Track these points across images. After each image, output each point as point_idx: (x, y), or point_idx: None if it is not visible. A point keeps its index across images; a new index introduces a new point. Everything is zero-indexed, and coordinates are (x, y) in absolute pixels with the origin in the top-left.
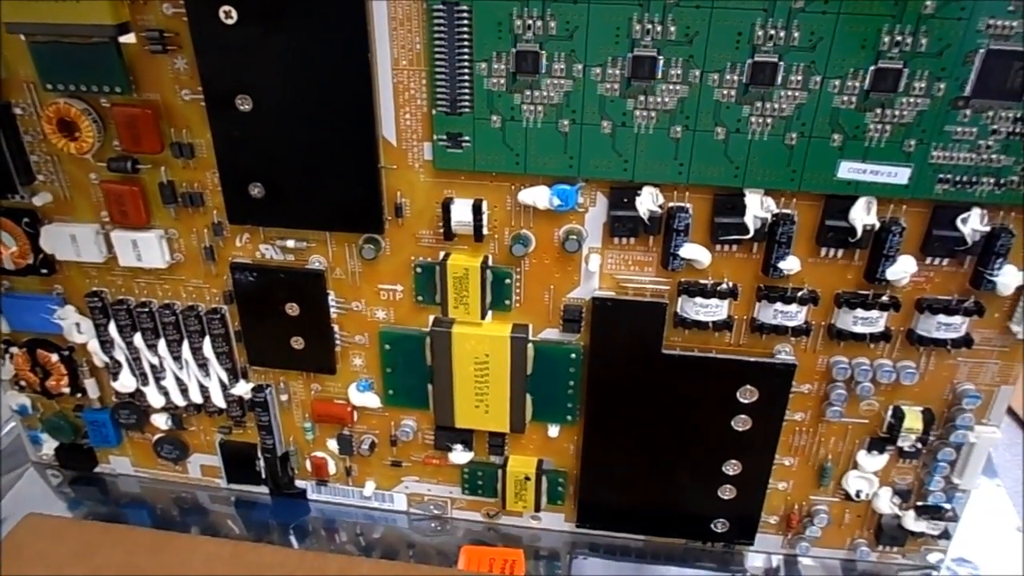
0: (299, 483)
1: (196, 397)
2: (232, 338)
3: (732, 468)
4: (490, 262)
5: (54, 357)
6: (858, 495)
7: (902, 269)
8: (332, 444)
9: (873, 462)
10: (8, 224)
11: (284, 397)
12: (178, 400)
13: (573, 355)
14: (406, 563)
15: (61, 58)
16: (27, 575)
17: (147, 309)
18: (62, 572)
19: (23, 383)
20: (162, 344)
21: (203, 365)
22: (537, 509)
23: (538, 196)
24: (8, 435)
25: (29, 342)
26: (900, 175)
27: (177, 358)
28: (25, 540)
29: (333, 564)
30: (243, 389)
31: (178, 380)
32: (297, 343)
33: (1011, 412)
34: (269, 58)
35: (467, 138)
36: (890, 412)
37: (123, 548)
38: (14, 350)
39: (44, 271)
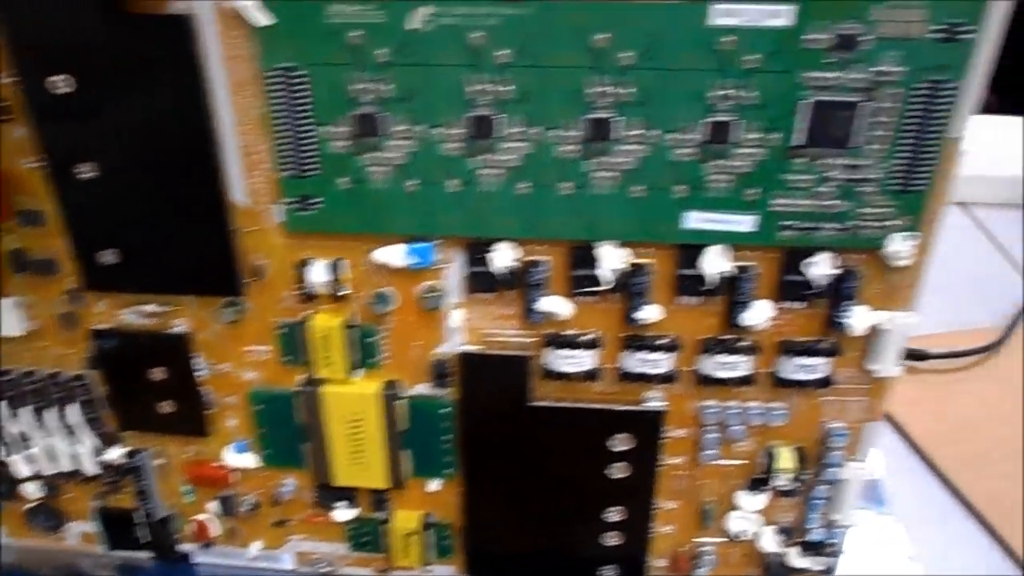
0: (183, 547)
1: (66, 465)
2: (100, 404)
3: (614, 515)
4: (354, 320)
5: None
6: (741, 535)
7: (758, 315)
8: (213, 506)
9: (753, 502)
10: None
11: (160, 461)
12: (47, 469)
13: (445, 410)
14: None
15: None
16: None
17: (9, 377)
18: None
19: None
20: (25, 412)
21: (71, 432)
22: (425, 564)
23: (393, 255)
24: None
25: None
26: (745, 223)
27: (43, 426)
28: None
29: None
30: (116, 455)
31: (46, 448)
32: (166, 408)
33: (908, 439)
34: (109, 125)
35: (317, 200)
36: (764, 453)
37: None
38: None
39: None
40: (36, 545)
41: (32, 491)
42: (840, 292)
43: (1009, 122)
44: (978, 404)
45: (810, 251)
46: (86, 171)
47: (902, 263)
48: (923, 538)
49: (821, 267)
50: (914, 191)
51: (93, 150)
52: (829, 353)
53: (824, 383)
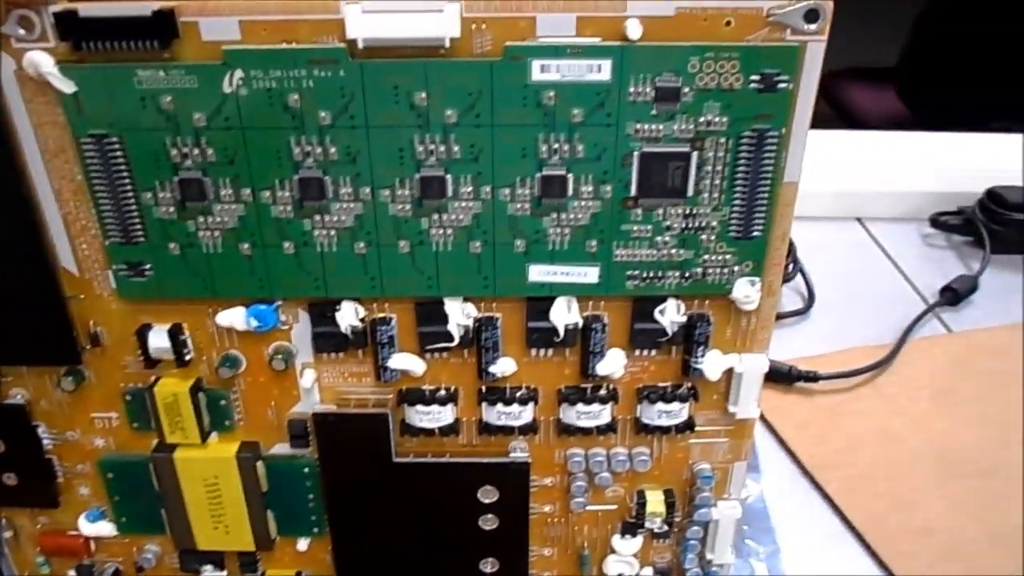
0: None
1: None
2: None
3: (490, 566)
4: (203, 384)
5: None
6: None
7: (612, 364)
8: (72, 575)
9: (628, 545)
10: None
11: (8, 534)
12: None
13: (306, 469)
14: None
15: None
16: None
17: None
18: None
19: None
20: None
21: None
22: None
23: (235, 318)
24: None
25: None
26: (590, 274)
27: None
28: None
29: None
30: None
31: None
32: (10, 479)
33: (797, 463)
34: None
35: (148, 266)
36: (634, 497)
37: None
38: None
39: None
40: None
41: None
42: (692, 338)
43: (903, 136)
44: (863, 424)
45: (658, 299)
46: None
47: (749, 307)
48: (810, 563)
49: (670, 314)
50: (753, 237)
51: None
52: (687, 398)
53: (686, 427)
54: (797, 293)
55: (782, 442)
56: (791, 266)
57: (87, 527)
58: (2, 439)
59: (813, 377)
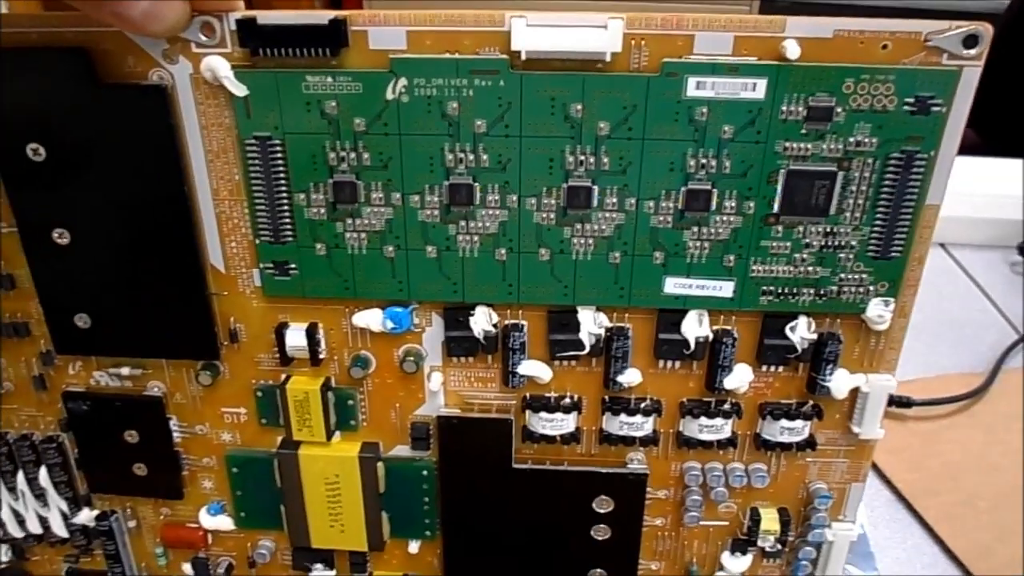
0: None
1: (35, 528)
2: (72, 466)
3: None
4: (332, 384)
5: None
6: None
7: (739, 378)
8: (187, 568)
9: (737, 563)
10: None
11: (132, 524)
12: (15, 532)
13: (425, 472)
14: None
15: None
16: None
17: None
18: None
19: None
20: None
21: (40, 495)
22: None
23: (371, 319)
24: None
25: None
26: (724, 288)
27: (12, 489)
28: None
29: None
30: (86, 517)
31: (14, 512)
32: (140, 470)
33: (893, 489)
34: (84, 193)
35: (293, 266)
36: (748, 514)
37: None
38: None
39: None
40: None
41: (0, 554)
42: (820, 355)
43: (989, 163)
44: (961, 452)
45: (789, 316)
46: (60, 238)
47: (881, 327)
48: None
49: (800, 331)
50: (892, 258)
51: (67, 217)
52: (811, 416)
53: (807, 445)
54: None
55: (875, 467)
56: None
57: (208, 520)
58: (137, 430)
59: (907, 403)
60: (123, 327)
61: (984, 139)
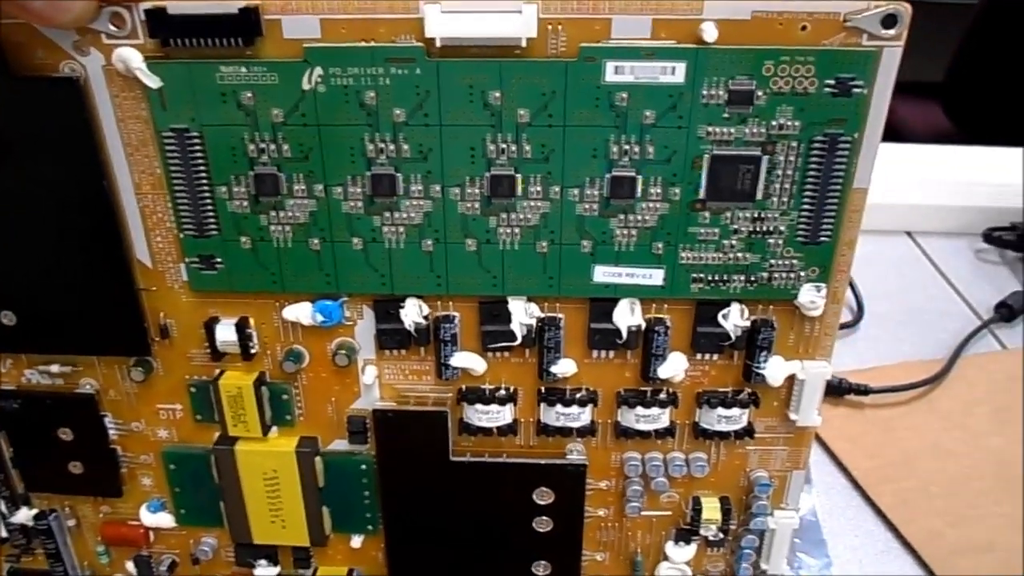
0: None
1: None
2: (7, 465)
3: (542, 569)
4: (266, 378)
5: None
6: None
7: (673, 367)
8: (130, 566)
9: (681, 553)
10: None
11: (71, 522)
12: None
13: (364, 466)
14: None
15: None
16: None
17: None
18: None
19: None
20: None
21: None
22: None
23: (301, 313)
24: None
25: None
26: (655, 276)
27: None
28: None
29: None
30: (24, 517)
31: None
32: (76, 468)
33: (849, 476)
34: (2, 187)
35: (219, 259)
36: (690, 503)
37: None
38: None
39: None
40: None
41: None
42: (754, 343)
43: (956, 151)
44: (918, 438)
45: (722, 303)
46: None
47: (814, 313)
48: None
49: (733, 319)
50: (821, 242)
51: None
52: (748, 404)
53: (745, 433)
54: (845, 306)
55: (832, 455)
56: None
57: (148, 518)
58: (70, 428)
59: (864, 390)
60: (50, 324)
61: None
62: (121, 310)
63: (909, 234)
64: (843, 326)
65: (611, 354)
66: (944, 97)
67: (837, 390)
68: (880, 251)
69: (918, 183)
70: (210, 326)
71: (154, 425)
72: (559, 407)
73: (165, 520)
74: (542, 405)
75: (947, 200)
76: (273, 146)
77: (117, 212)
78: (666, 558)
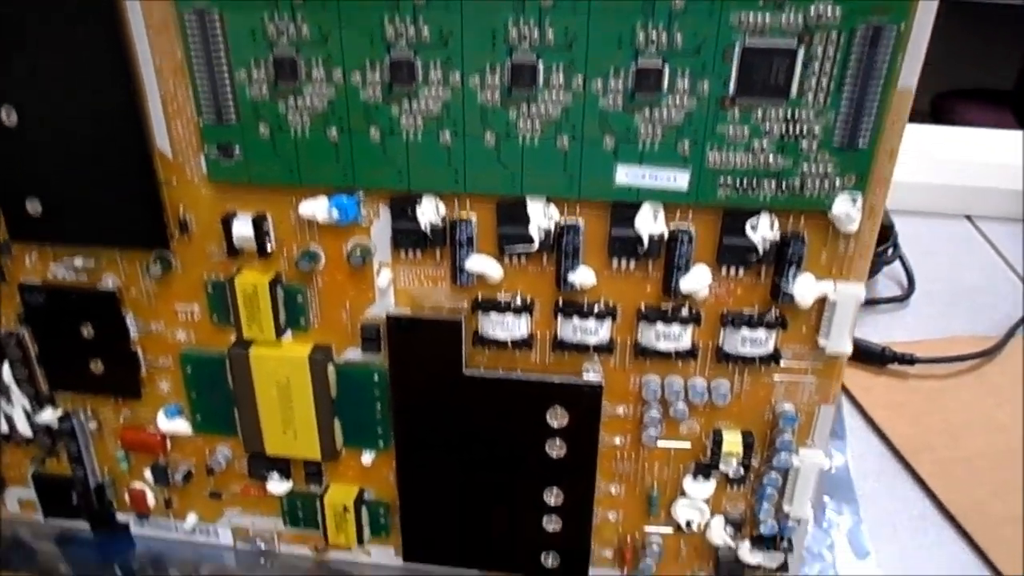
0: (121, 517)
1: (1, 426)
2: (33, 363)
3: (553, 497)
4: (282, 279)
5: None
6: (689, 525)
7: (696, 280)
8: (148, 475)
9: (700, 489)
10: None
11: (93, 425)
12: None
13: (376, 377)
14: None
15: None
16: None
17: None
18: None
19: None
20: None
21: (4, 392)
22: (360, 542)
23: (317, 208)
24: None
25: None
26: (679, 179)
27: None
28: None
29: None
30: (49, 417)
31: None
32: (97, 366)
33: (887, 443)
34: (26, 69)
35: (238, 148)
36: (711, 436)
37: None
38: None
39: None
40: None
41: None
42: (784, 257)
43: (1017, 135)
44: (965, 411)
45: (750, 213)
46: (7, 117)
47: (849, 228)
48: (897, 543)
49: (762, 230)
50: (859, 147)
51: (12, 95)
52: (774, 326)
53: (771, 359)
54: (895, 281)
55: (871, 422)
56: (891, 250)
57: (165, 423)
58: (92, 325)
59: (909, 360)
60: (74, 214)
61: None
62: (142, 201)
63: (968, 218)
64: (892, 300)
65: (632, 265)
66: (1014, 104)
67: (880, 358)
68: (937, 233)
69: (979, 167)
70: (227, 221)
71: (173, 326)
72: (576, 320)
73: (182, 426)
74: (559, 318)
75: (1009, 184)
76: (292, 27)
77: (139, 98)
78: (683, 494)
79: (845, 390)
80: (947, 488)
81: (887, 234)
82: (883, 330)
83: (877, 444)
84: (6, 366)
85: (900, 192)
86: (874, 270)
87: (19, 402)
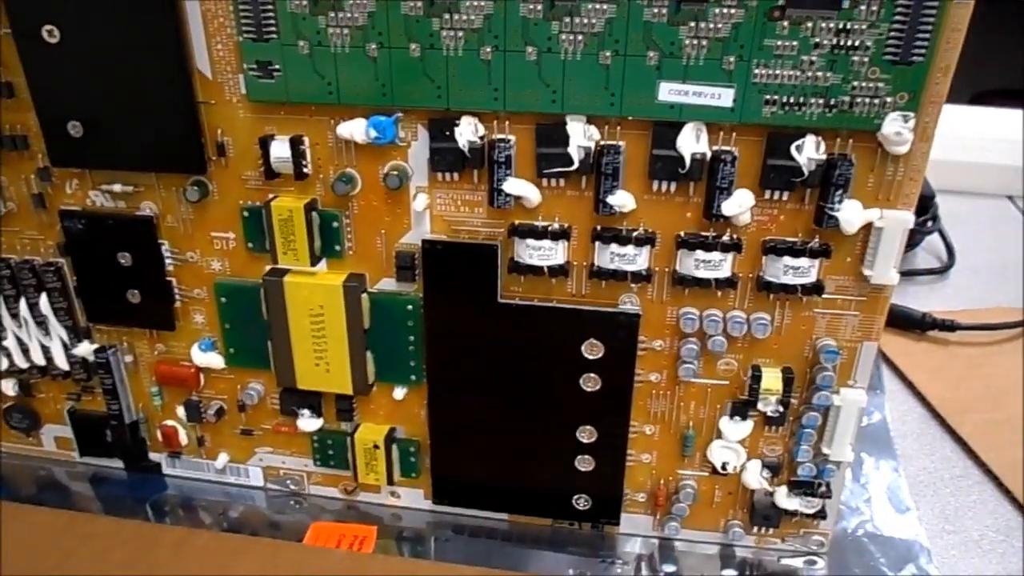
0: (153, 456)
1: (38, 358)
2: (71, 294)
3: (587, 435)
4: (317, 205)
5: None
6: (724, 468)
7: (739, 203)
8: (181, 411)
9: (737, 429)
10: None
11: (128, 359)
12: (20, 362)
13: (410, 307)
14: (244, 536)
15: None
16: None
17: None
18: None
19: None
20: None
21: (42, 323)
22: (390, 482)
23: (355, 129)
24: None
25: None
26: (724, 96)
27: (15, 316)
28: None
29: (168, 537)
30: (86, 350)
31: (19, 340)
32: (133, 297)
33: (928, 406)
34: None
35: (277, 66)
36: (749, 372)
37: None
38: None
39: None
40: (13, 448)
41: (9, 388)
42: (829, 180)
43: None
44: (1006, 376)
45: (795, 134)
46: (50, 35)
47: (900, 149)
48: (938, 500)
49: (808, 151)
50: (912, 62)
51: (56, 13)
52: (818, 254)
53: (813, 289)
54: (934, 255)
55: (910, 385)
56: (930, 222)
57: (199, 356)
58: (130, 252)
59: (950, 326)
60: (113, 137)
61: None
62: (181, 122)
63: (1010, 198)
64: (931, 272)
65: (672, 188)
66: None
67: (920, 324)
68: (978, 211)
69: (1020, 147)
70: (265, 143)
71: (208, 256)
72: (614, 246)
73: (215, 360)
74: (596, 244)
75: None
76: None
77: (180, 15)
78: (719, 435)
79: (883, 355)
80: (989, 448)
81: (927, 205)
82: (922, 301)
83: (916, 406)
84: (44, 296)
85: (941, 171)
86: (913, 243)
87: (57, 333)
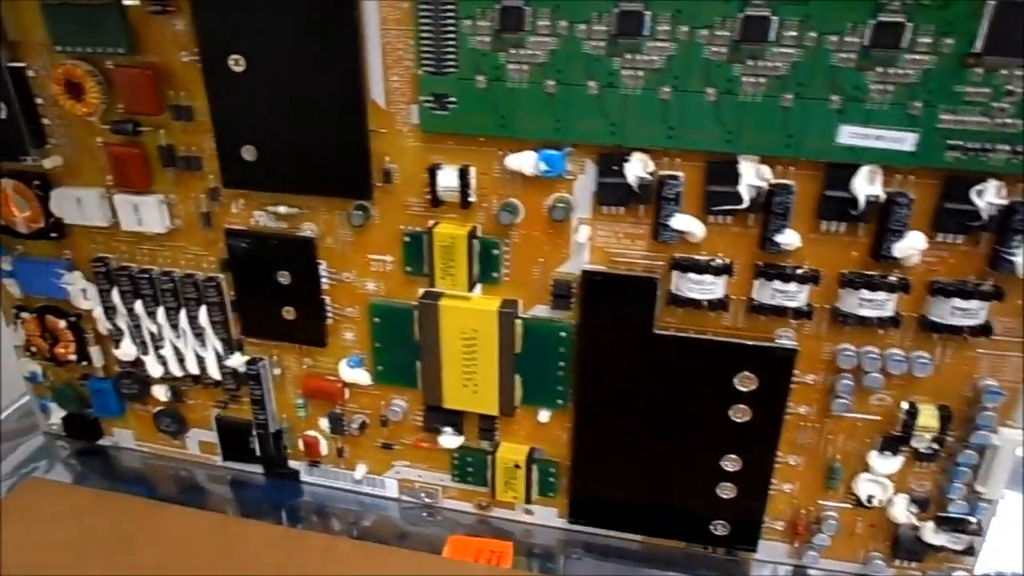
0: (292, 463)
1: (193, 368)
2: (227, 308)
3: (731, 464)
4: (478, 232)
5: (62, 323)
6: (870, 501)
7: (910, 245)
8: (324, 423)
9: (886, 464)
10: (21, 188)
11: (277, 371)
12: (175, 370)
13: (563, 333)
14: (388, 546)
15: (70, 19)
16: (20, 530)
17: (147, 276)
18: (54, 529)
19: (33, 349)
20: (161, 312)
21: (199, 335)
22: (528, 500)
23: (524, 161)
24: (19, 408)
25: (39, 308)
26: (906, 141)
27: (175, 326)
28: (24, 500)
29: (314, 543)
30: (238, 361)
31: (176, 349)
32: (288, 313)
33: None
34: (260, 17)
35: (453, 99)
36: (904, 408)
37: (113, 513)
38: (25, 315)
39: (54, 235)
40: (158, 449)
41: (161, 393)
42: (1008, 226)
43: None
44: None
45: (972, 177)
46: (235, 65)
47: None
48: None
49: (989, 195)
50: None
51: (243, 43)
52: (989, 296)
53: (981, 331)
54: None
55: None
56: None
57: (347, 372)
58: (289, 271)
59: None
60: (285, 162)
61: None
62: (351, 150)
63: None
64: None
65: (841, 228)
66: None
67: None
68: None
69: None
70: (433, 171)
71: (364, 277)
72: (776, 283)
73: (362, 377)
74: (758, 281)
75: None
76: None
77: (360, 47)
78: (867, 469)
79: None
80: None
81: None
82: None
83: None
84: (203, 309)
85: None
86: None
87: (212, 345)
